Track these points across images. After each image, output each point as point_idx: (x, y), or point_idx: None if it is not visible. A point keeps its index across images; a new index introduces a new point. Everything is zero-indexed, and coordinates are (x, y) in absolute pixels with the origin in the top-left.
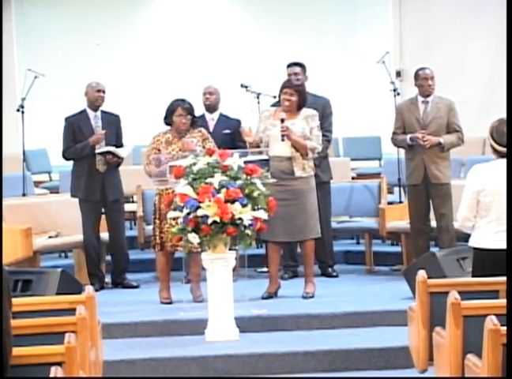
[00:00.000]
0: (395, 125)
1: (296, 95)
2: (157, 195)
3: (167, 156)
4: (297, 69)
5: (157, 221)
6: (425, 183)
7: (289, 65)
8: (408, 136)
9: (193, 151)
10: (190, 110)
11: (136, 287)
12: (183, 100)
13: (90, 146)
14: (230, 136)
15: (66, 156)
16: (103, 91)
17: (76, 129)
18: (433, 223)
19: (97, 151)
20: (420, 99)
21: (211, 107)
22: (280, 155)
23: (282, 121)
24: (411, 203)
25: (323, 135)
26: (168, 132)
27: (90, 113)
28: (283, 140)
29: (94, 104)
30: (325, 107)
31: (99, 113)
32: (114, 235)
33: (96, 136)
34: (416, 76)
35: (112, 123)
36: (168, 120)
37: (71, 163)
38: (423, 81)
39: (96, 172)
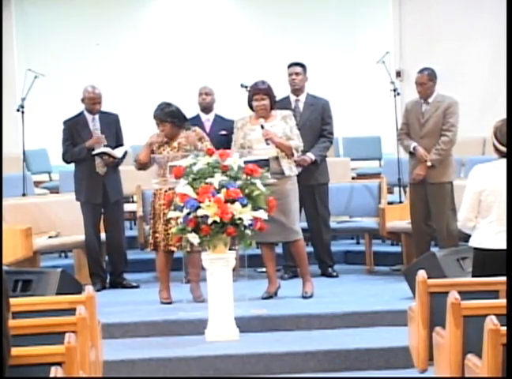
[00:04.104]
0: (401, 123)
1: (267, 97)
2: (153, 195)
3: (161, 156)
4: (298, 69)
5: (152, 221)
6: (423, 182)
7: (290, 65)
8: (412, 146)
9: (195, 146)
10: (168, 115)
11: (136, 287)
12: (159, 109)
13: (86, 149)
14: (226, 137)
15: (66, 159)
16: (99, 102)
17: (74, 132)
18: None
19: (93, 152)
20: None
21: (207, 108)
22: (266, 156)
23: (262, 127)
24: (411, 202)
25: (326, 137)
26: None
27: (88, 116)
28: (268, 144)
29: (91, 111)
30: (326, 109)
31: (97, 115)
32: (113, 236)
33: (92, 141)
34: None
35: (111, 123)
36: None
37: (72, 164)
38: (416, 86)
39: (96, 175)
